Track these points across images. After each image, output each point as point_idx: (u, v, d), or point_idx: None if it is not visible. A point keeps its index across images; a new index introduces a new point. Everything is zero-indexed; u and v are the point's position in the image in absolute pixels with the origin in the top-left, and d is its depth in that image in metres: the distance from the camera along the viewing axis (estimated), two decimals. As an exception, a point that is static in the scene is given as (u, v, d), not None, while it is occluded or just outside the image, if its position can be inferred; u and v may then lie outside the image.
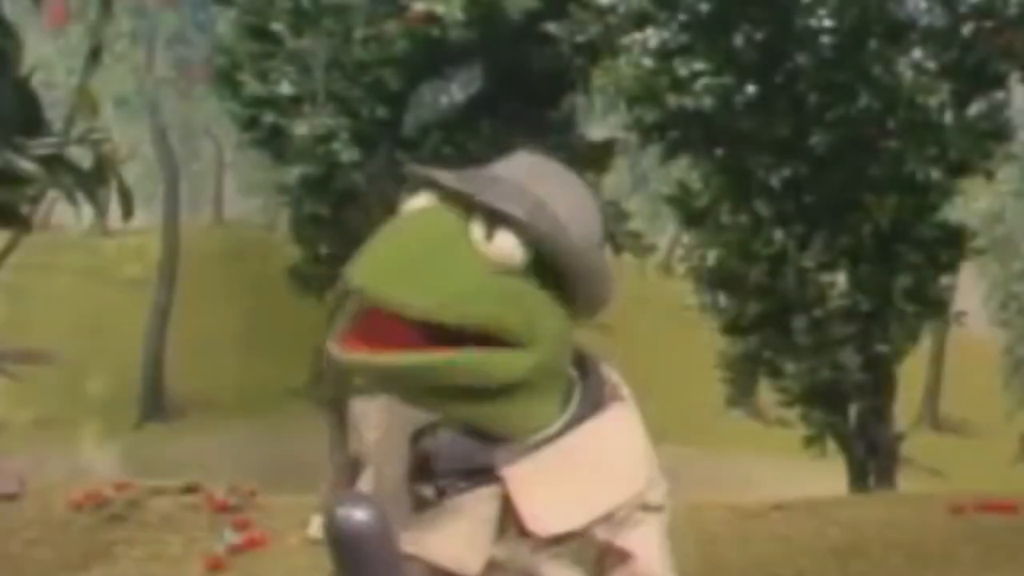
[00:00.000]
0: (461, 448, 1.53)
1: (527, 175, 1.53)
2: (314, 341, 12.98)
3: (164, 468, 12.90)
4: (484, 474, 1.51)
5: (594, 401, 1.58)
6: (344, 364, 1.46)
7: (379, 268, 1.43)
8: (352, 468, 1.67)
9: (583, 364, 1.61)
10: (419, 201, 1.50)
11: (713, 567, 6.17)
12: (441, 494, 1.52)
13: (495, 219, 1.45)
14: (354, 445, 1.69)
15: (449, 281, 1.43)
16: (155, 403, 22.33)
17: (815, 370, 9.64)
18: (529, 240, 1.45)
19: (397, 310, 1.42)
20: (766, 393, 12.00)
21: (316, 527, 6.60)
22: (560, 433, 1.54)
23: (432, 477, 1.53)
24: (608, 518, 1.52)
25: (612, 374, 1.63)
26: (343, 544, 1.45)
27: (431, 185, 1.50)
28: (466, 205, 1.46)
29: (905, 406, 12.00)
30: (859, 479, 9.89)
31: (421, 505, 1.54)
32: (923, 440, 18.74)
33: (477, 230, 1.45)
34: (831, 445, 10.08)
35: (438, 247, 1.45)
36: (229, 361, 22.38)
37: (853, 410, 9.96)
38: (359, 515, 1.44)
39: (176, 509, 7.07)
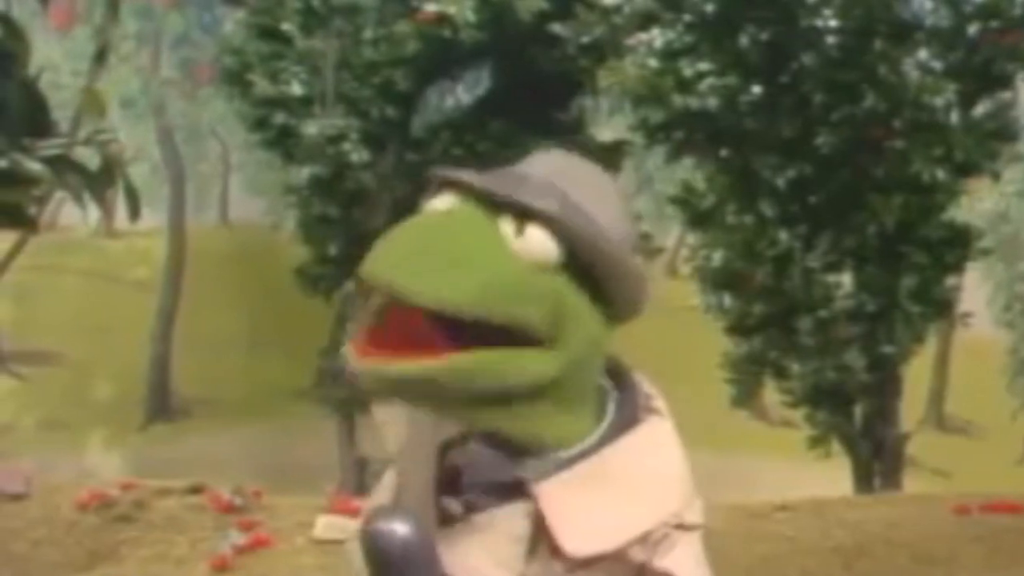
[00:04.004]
0: (492, 462, 1.47)
1: (557, 173, 1.48)
2: (320, 342, 13.00)
3: (170, 469, 12.91)
4: (516, 490, 1.46)
5: (629, 414, 1.52)
6: (358, 373, 1.41)
7: (403, 260, 1.37)
8: (359, 469, 1.65)
9: (617, 374, 1.55)
10: (441, 202, 1.45)
11: (718, 567, 6.16)
12: (469, 509, 1.47)
13: (525, 215, 1.40)
14: (372, 450, 1.66)
15: (478, 273, 1.37)
16: (161, 404, 22.36)
17: (820, 371, 9.64)
18: (562, 236, 1.40)
19: (422, 303, 1.36)
20: (771, 394, 11.99)
21: (321, 528, 6.61)
22: (595, 448, 1.48)
23: (460, 491, 1.48)
24: (644, 538, 1.46)
25: (645, 384, 1.58)
26: (386, 560, 1.40)
27: (454, 185, 1.45)
28: (493, 204, 1.41)
29: (910, 407, 11.98)
30: (864, 479, 9.88)
31: (448, 520, 1.49)
32: (928, 441, 18.73)
33: (506, 226, 1.40)
34: (836, 446, 10.07)
35: (466, 240, 1.39)
36: (235, 362, 22.41)
37: (858, 411, 9.95)
38: (402, 530, 1.40)
39: (182, 510, 7.08)
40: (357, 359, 1.41)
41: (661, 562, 1.48)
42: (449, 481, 1.50)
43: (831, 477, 10.94)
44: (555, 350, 1.42)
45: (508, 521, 1.46)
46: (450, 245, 1.39)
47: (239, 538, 6.63)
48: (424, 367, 1.38)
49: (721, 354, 10.57)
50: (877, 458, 9.88)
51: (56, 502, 7.12)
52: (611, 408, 1.52)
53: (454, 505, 1.48)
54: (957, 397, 23.84)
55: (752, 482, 15.65)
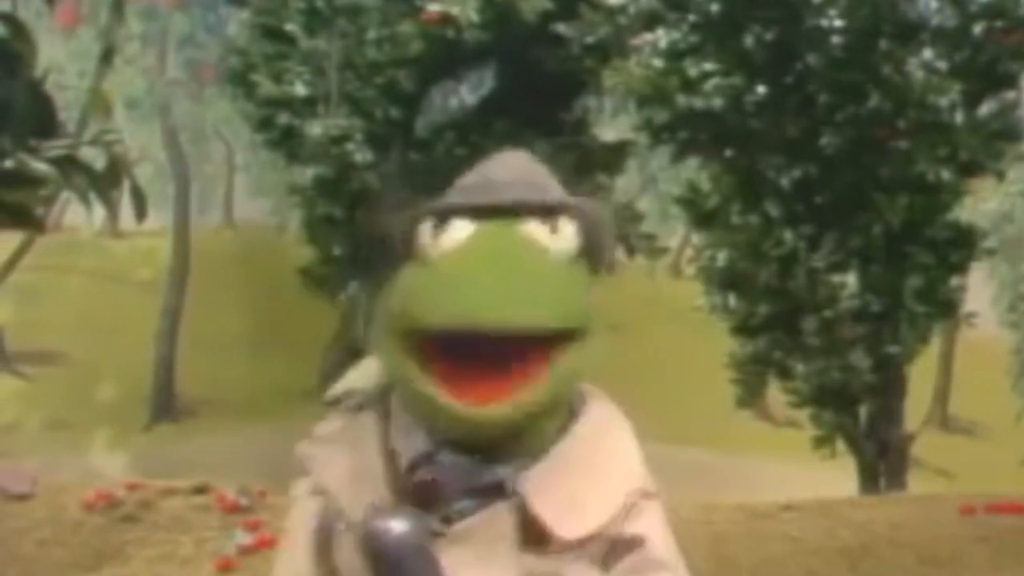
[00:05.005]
0: (468, 469, 1.50)
1: (530, 172, 1.53)
2: (324, 342, 13.01)
3: (175, 469, 12.93)
4: (492, 492, 1.49)
5: (573, 402, 1.58)
6: (479, 420, 1.44)
7: (498, 299, 1.41)
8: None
9: None
10: (462, 227, 1.47)
11: (723, 567, 6.17)
12: (448, 522, 1.49)
13: (550, 213, 1.46)
14: (298, 490, 1.68)
15: (557, 289, 1.44)
16: (166, 404, 22.37)
17: (825, 371, 9.63)
18: (581, 224, 1.48)
19: (530, 333, 1.41)
20: (776, 394, 11.98)
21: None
22: (556, 439, 1.54)
23: (435, 506, 1.50)
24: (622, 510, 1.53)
25: None
26: (384, 558, 1.43)
27: (465, 210, 1.48)
28: (512, 213, 1.46)
29: (914, 407, 11.97)
30: (869, 480, 9.88)
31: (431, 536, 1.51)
32: (932, 441, 18.70)
33: (538, 229, 1.45)
34: (841, 446, 10.06)
35: (528, 260, 1.44)
36: (239, 362, 22.41)
37: (863, 411, 9.94)
38: (397, 528, 1.42)
39: (187, 510, 7.08)
40: (470, 406, 1.44)
41: (633, 528, 1.53)
42: (422, 498, 1.51)
43: (836, 477, 10.93)
44: (589, 337, 1.48)
45: (494, 522, 1.48)
46: (520, 271, 1.43)
47: (244, 538, 6.63)
48: (545, 392, 1.45)
49: (726, 354, 10.57)
50: (882, 458, 9.87)
51: (62, 502, 7.13)
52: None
53: (432, 521, 1.49)
54: (962, 397, 23.82)
55: (757, 482, 15.63)
